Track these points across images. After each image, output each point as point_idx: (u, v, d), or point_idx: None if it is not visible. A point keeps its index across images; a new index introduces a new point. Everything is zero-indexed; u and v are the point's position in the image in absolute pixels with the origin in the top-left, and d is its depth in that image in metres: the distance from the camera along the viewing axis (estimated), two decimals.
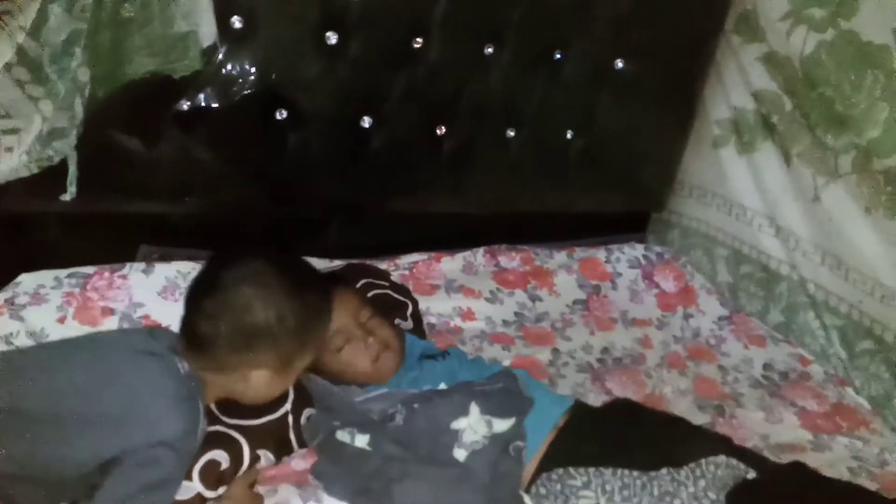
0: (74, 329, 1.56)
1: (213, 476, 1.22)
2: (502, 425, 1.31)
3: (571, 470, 1.24)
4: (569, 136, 2.02)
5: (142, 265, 1.71)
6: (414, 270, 1.99)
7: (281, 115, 1.72)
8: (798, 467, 1.33)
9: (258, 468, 1.30)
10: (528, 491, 1.28)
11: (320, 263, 1.85)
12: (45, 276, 1.65)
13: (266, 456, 1.31)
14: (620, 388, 1.70)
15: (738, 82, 1.99)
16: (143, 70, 1.50)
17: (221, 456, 1.24)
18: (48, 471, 1.08)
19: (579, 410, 1.41)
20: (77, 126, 1.40)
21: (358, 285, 1.71)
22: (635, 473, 1.22)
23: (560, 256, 2.13)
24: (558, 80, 1.93)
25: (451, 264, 2.03)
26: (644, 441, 1.30)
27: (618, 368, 1.79)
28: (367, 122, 1.80)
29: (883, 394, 1.71)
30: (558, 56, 1.90)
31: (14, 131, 1.33)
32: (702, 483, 1.21)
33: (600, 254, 2.15)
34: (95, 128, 1.48)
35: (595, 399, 1.61)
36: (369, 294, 1.71)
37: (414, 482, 1.25)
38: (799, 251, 1.90)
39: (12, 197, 1.50)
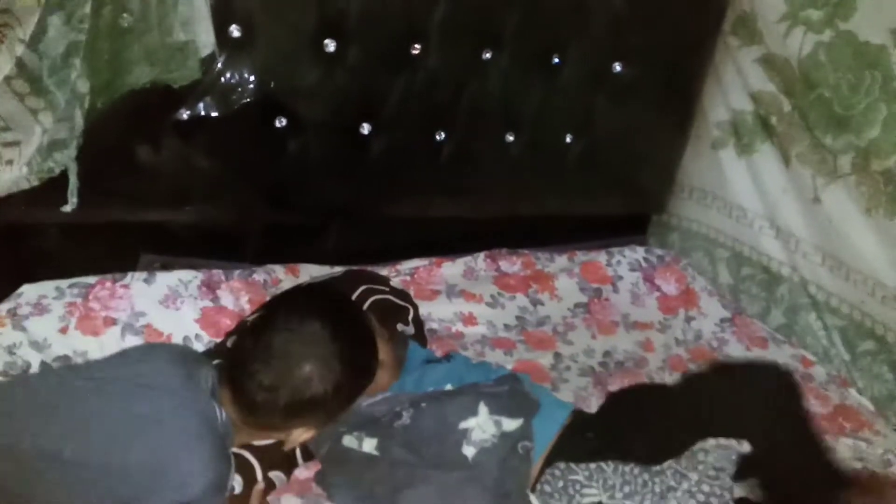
0: (77, 339, 1.57)
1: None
2: (511, 425, 1.32)
3: (573, 465, 1.26)
4: (568, 139, 2.03)
5: (143, 274, 1.71)
6: (415, 276, 1.99)
7: (280, 122, 1.73)
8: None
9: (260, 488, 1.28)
10: (532, 490, 1.29)
11: (320, 270, 1.86)
12: (47, 287, 1.65)
13: (279, 477, 1.32)
14: None
15: (736, 84, 1.99)
16: (142, 80, 1.51)
17: (236, 481, 1.23)
18: None
19: (579, 415, 1.43)
20: (77, 137, 1.41)
21: (357, 292, 1.70)
22: (636, 470, 1.23)
23: (561, 260, 2.13)
24: (557, 84, 1.93)
25: (451, 269, 2.03)
26: (643, 436, 1.31)
27: (620, 372, 1.78)
28: (366, 128, 1.81)
29: (886, 394, 1.71)
30: (556, 60, 1.90)
31: (14, 144, 1.34)
32: (694, 477, 1.21)
33: (601, 257, 2.15)
34: (95, 138, 1.49)
35: (598, 403, 1.60)
36: (370, 300, 1.71)
37: (421, 488, 1.25)
38: (799, 252, 1.90)
39: (13, 208, 1.51)
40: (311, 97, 1.73)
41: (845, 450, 1.56)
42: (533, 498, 1.28)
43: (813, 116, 1.76)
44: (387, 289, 1.80)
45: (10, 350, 1.53)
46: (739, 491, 1.24)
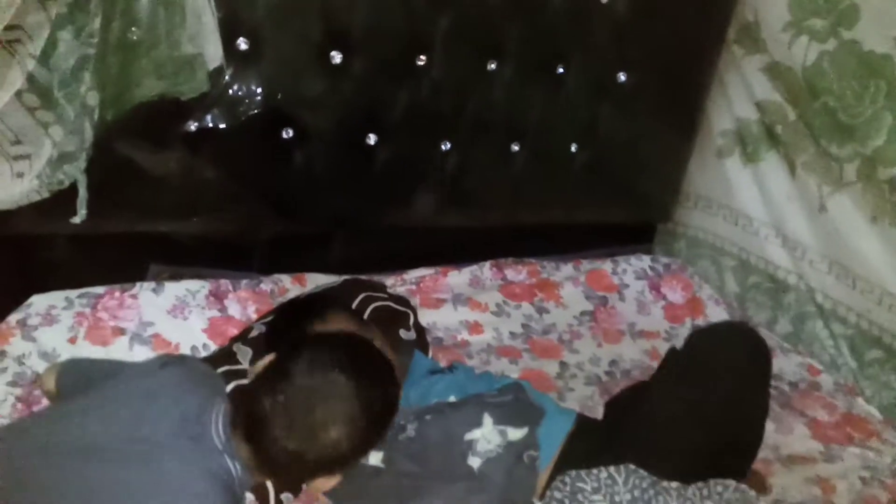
0: (86, 349, 1.58)
1: None
2: (516, 434, 1.32)
3: (583, 473, 1.25)
4: (573, 148, 2.03)
5: (152, 284, 1.73)
6: (421, 285, 2.00)
7: (287, 133, 1.74)
8: None
9: None
10: (541, 498, 1.29)
11: (327, 279, 1.87)
12: (56, 297, 1.67)
13: (288, 498, 1.31)
14: None
15: (741, 93, 2.00)
16: (151, 93, 1.52)
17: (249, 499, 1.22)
18: None
19: (584, 422, 1.43)
20: (86, 149, 1.42)
21: (357, 300, 1.71)
22: (644, 484, 1.23)
23: (566, 268, 2.13)
24: (561, 94, 1.94)
25: (457, 278, 2.04)
26: (654, 451, 1.30)
27: (626, 381, 1.78)
28: (371, 138, 1.82)
29: (894, 403, 1.70)
30: (560, 70, 1.91)
31: (25, 157, 1.36)
32: None
33: (607, 265, 2.16)
34: (105, 150, 1.50)
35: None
36: (371, 307, 1.71)
37: (427, 499, 1.25)
38: (806, 261, 1.90)
39: (23, 219, 1.53)
40: (317, 108, 1.74)
41: (853, 459, 1.55)
42: None
43: (818, 125, 1.76)
44: (385, 295, 1.81)
45: (20, 360, 1.55)
46: None
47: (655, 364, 1.84)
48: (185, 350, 1.64)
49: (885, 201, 1.65)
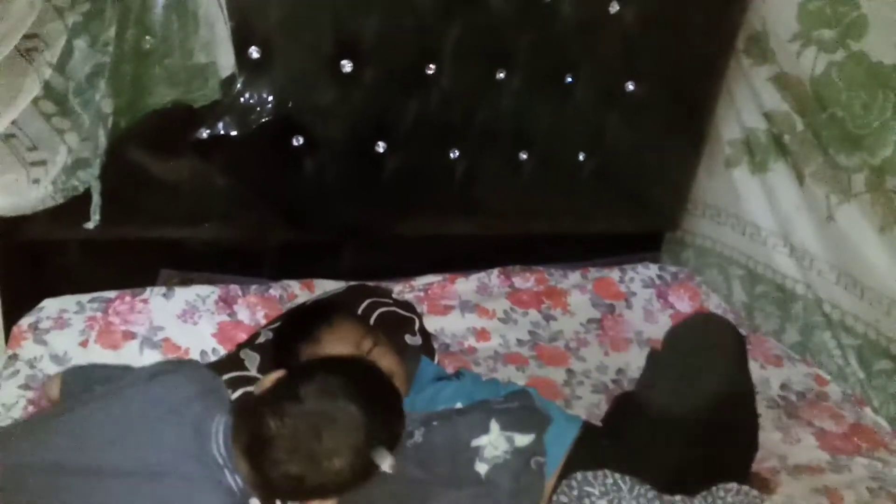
0: (96, 353, 1.60)
1: None
2: (523, 440, 1.32)
3: (590, 477, 1.26)
4: (581, 157, 2.04)
5: (162, 289, 1.74)
6: (429, 291, 2.01)
7: (297, 141, 1.76)
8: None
9: None
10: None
11: (335, 286, 1.88)
12: (67, 301, 1.68)
13: None
14: None
15: (749, 103, 2.00)
16: (163, 100, 1.54)
17: None
18: None
19: (589, 428, 1.43)
20: (100, 156, 1.44)
21: (362, 307, 1.72)
22: (650, 495, 1.23)
23: (574, 276, 2.13)
24: (569, 103, 1.95)
25: (465, 285, 2.05)
26: (659, 462, 1.31)
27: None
28: (381, 146, 1.83)
29: None
30: (569, 79, 1.92)
31: (41, 163, 1.37)
32: None
33: (614, 273, 2.16)
34: (118, 157, 1.52)
35: None
36: (376, 312, 1.73)
37: None
38: (814, 270, 1.90)
39: (37, 225, 1.54)
40: (327, 117, 1.76)
41: (861, 470, 1.55)
42: None
43: (826, 135, 1.76)
44: (391, 301, 1.82)
45: (31, 363, 1.56)
46: None
47: None
48: (194, 354, 1.65)
49: (893, 211, 1.65)
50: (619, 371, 1.86)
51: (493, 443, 1.31)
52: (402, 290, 1.97)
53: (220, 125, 1.67)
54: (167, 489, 1.00)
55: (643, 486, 1.25)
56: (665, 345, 1.47)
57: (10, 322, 1.62)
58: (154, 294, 1.73)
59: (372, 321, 1.69)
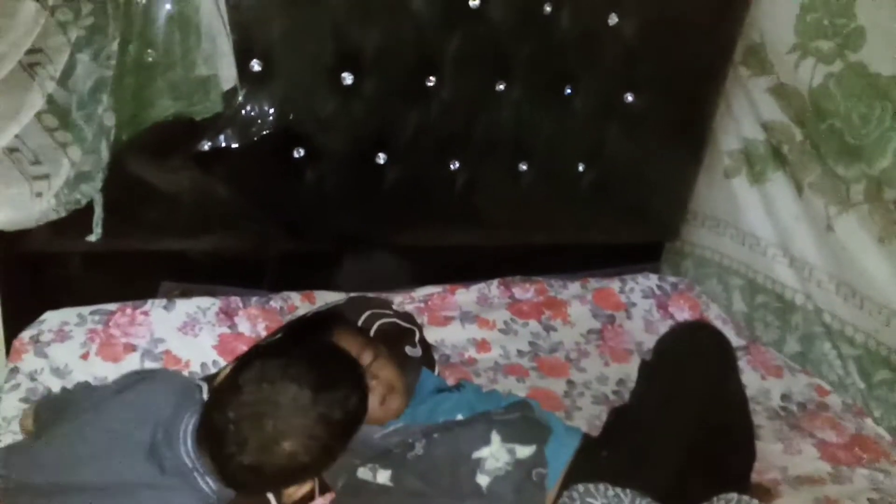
0: (97, 365, 1.60)
1: None
2: (524, 452, 1.32)
3: (592, 489, 1.26)
4: (580, 168, 2.05)
5: (163, 301, 1.75)
6: (429, 302, 2.01)
7: (298, 153, 1.76)
8: None
9: None
10: None
11: (336, 297, 1.88)
12: (68, 314, 1.68)
13: None
14: None
15: (747, 113, 2.01)
16: (165, 113, 1.55)
17: None
18: None
19: (590, 440, 1.44)
20: (103, 169, 1.45)
21: (362, 318, 1.72)
22: None
23: (574, 287, 2.14)
24: (569, 114, 1.96)
25: (465, 296, 2.05)
26: (656, 472, 1.31)
27: None
28: (381, 158, 1.84)
29: None
30: (568, 90, 1.93)
31: (44, 177, 1.38)
32: None
33: (614, 284, 2.16)
34: (120, 170, 1.53)
35: None
36: (376, 324, 1.72)
37: None
38: (813, 281, 1.90)
39: (39, 237, 1.55)
40: (328, 128, 1.77)
41: (862, 481, 1.54)
42: None
43: (825, 146, 1.77)
44: (391, 312, 1.81)
45: (32, 376, 1.56)
46: None
47: None
48: (195, 367, 1.65)
49: (891, 222, 1.65)
50: (620, 382, 1.86)
51: (495, 454, 1.31)
52: (402, 301, 1.97)
53: (222, 137, 1.68)
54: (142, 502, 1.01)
55: (644, 499, 1.25)
56: (653, 355, 1.48)
57: (11, 334, 1.62)
58: (155, 306, 1.73)
59: (372, 333, 1.69)
